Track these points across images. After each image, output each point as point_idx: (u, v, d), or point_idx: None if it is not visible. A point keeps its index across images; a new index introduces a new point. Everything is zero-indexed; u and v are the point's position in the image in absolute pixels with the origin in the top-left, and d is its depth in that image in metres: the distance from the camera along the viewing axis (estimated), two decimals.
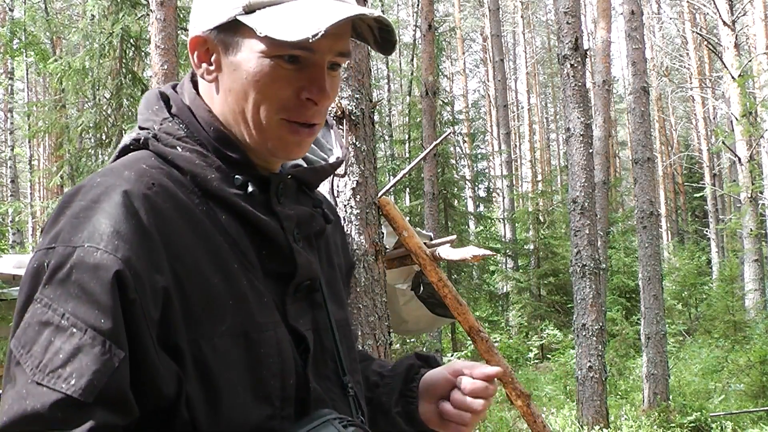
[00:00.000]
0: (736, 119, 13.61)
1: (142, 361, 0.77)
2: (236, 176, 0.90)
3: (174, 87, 0.97)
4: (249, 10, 0.86)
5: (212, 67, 0.91)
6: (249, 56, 0.87)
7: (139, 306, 0.77)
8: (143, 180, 0.83)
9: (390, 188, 3.94)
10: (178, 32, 7.24)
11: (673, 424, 7.41)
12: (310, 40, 0.81)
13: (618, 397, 9.36)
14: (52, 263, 0.77)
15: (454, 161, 17.93)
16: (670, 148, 26.66)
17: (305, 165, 1.01)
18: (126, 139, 0.93)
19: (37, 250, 0.80)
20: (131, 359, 0.76)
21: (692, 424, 7.38)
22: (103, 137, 9.70)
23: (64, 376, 0.73)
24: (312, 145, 1.03)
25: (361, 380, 1.04)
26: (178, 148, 0.89)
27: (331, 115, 2.98)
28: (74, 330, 0.74)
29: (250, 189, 0.90)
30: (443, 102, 17.06)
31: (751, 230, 13.45)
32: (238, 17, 0.86)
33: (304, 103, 0.89)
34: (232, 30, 0.88)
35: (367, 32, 0.94)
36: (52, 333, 0.74)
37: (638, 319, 10.30)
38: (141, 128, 0.93)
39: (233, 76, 0.89)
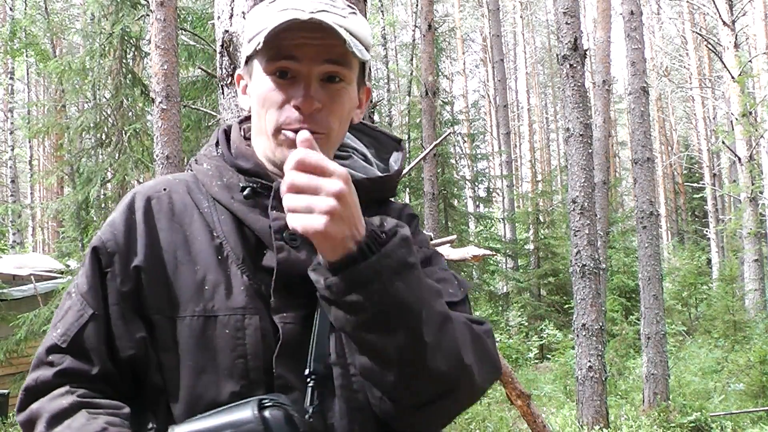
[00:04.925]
0: (736, 119, 13.61)
1: (108, 321, 0.97)
2: (241, 183, 1.02)
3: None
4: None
5: (246, 96, 1.08)
6: (256, 77, 1.02)
7: (111, 277, 0.98)
8: (157, 186, 1.05)
9: None
10: (178, 32, 7.24)
11: (673, 424, 7.40)
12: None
13: (618, 397, 9.35)
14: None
15: (454, 161, 17.93)
16: (670, 148, 26.67)
17: None
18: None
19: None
20: (102, 318, 0.97)
21: (692, 424, 7.37)
22: (103, 137, 9.67)
23: (57, 327, 0.98)
24: (371, 165, 1.13)
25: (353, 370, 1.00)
26: (204, 164, 1.08)
27: None
28: (72, 294, 1.00)
29: (246, 193, 1.01)
30: (443, 102, 17.06)
31: (751, 230, 13.44)
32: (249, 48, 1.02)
33: (292, 111, 0.98)
34: (251, 60, 1.04)
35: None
36: (66, 298, 1.02)
37: (638, 319, 10.29)
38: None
39: (252, 97, 1.04)
